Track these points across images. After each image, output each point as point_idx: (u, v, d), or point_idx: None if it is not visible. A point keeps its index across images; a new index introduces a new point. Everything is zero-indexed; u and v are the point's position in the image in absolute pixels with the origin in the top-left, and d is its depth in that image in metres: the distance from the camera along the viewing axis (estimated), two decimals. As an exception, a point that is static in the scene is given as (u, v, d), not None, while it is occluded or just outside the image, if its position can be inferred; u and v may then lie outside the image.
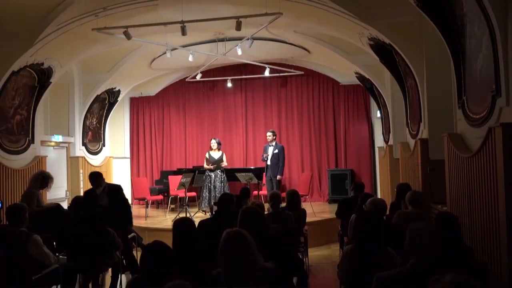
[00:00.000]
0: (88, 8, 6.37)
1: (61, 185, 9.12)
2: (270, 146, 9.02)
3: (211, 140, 8.97)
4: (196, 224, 3.88)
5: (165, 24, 6.86)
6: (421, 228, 2.45)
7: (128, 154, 11.85)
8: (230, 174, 8.90)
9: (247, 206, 4.37)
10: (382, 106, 9.10)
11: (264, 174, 9.12)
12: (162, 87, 11.74)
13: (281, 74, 10.89)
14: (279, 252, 3.14)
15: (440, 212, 4.55)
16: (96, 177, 5.92)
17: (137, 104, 11.93)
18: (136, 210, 10.25)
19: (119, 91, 10.45)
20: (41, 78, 7.48)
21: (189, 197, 9.30)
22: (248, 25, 6.82)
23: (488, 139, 3.62)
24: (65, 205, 8.68)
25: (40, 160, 7.68)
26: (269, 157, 8.89)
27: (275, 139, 9.09)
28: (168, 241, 3.09)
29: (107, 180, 10.34)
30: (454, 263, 2.96)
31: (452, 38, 4.52)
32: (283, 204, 5.97)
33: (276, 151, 8.91)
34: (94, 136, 10.30)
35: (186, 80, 11.20)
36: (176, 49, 8.64)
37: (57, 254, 4.64)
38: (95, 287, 4.76)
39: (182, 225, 3.40)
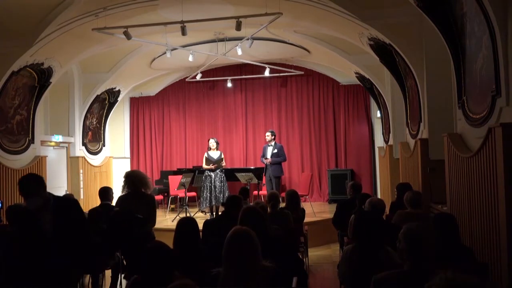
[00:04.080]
0: (88, 8, 6.37)
1: (61, 185, 9.12)
2: (269, 146, 9.01)
3: (209, 140, 8.96)
4: (200, 224, 3.89)
5: (165, 24, 6.87)
6: (415, 229, 2.44)
7: (128, 154, 11.85)
8: (230, 174, 8.90)
9: (248, 205, 4.37)
10: (382, 106, 9.10)
11: (264, 174, 9.12)
12: (162, 87, 11.75)
13: (281, 74, 10.89)
14: (279, 252, 3.14)
15: (438, 213, 4.56)
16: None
17: (137, 104, 11.93)
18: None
19: (119, 91, 10.45)
20: (41, 78, 7.48)
21: (189, 197, 9.30)
22: (248, 25, 6.83)
23: (488, 139, 3.62)
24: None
25: (40, 160, 7.68)
26: (269, 157, 8.87)
27: (274, 139, 9.07)
28: (168, 241, 3.09)
29: (107, 181, 10.43)
30: (453, 263, 2.96)
31: (452, 38, 4.52)
32: (283, 204, 5.97)
33: (276, 150, 8.90)
34: (94, 136, 10.30)
35: (186, 80, 11.22)
36: (176, 49, 8.64)
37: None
38: (95, 287, 4.77)
39: (187, 224, 3.41)
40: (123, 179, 4.84)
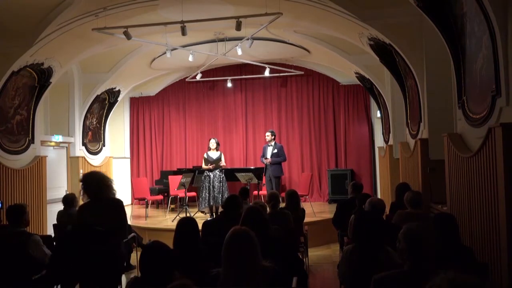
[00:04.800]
0: (88, 8, 6.37)
1: (61, 185, 9.12)
2: (269, 146, 9.01)
3: (210, 140, 8.96)
4: (200, 224, 3.89)
5: (165, 24, 6.87)
6: (415, 229, 2.44)
7: (128, 154, 11.85)
8: (230, 174, 8.90)
9: (252, 205, 4.36)
10: (382, 106, 9.10)
11: (264, 174, 9.11)
12: (162, 87, 11.75)
13: (281, 74, 10.90)
14: (279, 252, 3.14)
15: (438, 213, 4.55)
16: None
17: (137, 104, 11.94)
18: (136, 210, 10.26)
19: (119, 91, 10.45)
20: (41, 78, 7.48)
21: (189, 197, 9.30)
22: (248, 25, 6.83)
23: (488, 139, 3.63)
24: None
25: (40, 160, 7.68)
26: (268, 157, 8.87)
27: (274, 139, 9.07)
28: (168, 241, 3.09)
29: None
30: (453, 263, 2.95)
31: (452, 38, 4.52)
32: (283, 204, 5.97)
33: (275, 150, 8.90)
34: (94, 136, 10.30)
35: (186, 80, 11.22)
36: (176, 49, 8.64)
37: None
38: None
39: (187, 224, 3.41)
40: (81, 184, 3.99)
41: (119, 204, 3.94)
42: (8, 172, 6.89)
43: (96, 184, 3.86)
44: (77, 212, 4.04)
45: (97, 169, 10.11)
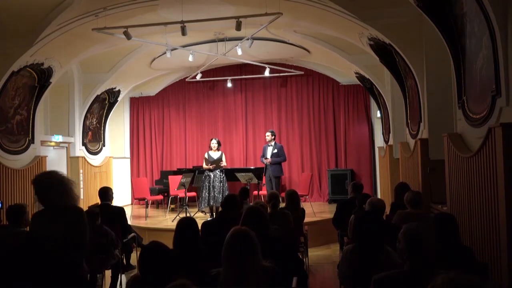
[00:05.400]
0: (88, 8, 6.37)
1: (61, 185, 9.11)
2: (269, 146, 9.01)
3: (211, 140, 8.96)
4: (199, 224, 3.89)
5: (165, 24, 6.87)
6: (415, 229, 2.44)
7: (128, 154, 11.85)
8: (230, 174, 8.89)
9: (253, 205, 4.36)
10: (382, 106, 9.10)
11: (264, 174, 9.11)
12: (162, 87, 11.75)
13: (281, 74, 10.90)
14: (279, 252, 3.14)
15: (438, 213, 4.55)
16: None
17: (137, 104, 11.94)
18: (136, 210, 10.26)
19: (119, 91, 10.46)
20: (41, 78, 7.48)
21: (189, 197, 9.29)
22: (248, 25, 6.83)
23: (488, 139, 3.63)
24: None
25: (40, 160, 7.68)
26: (268, 157, 8.87)
27: (274, 139, 9.07)
28: (168, 241, 3.09)
29: (107, 182, 10.42)
30: (453, 264, 2.95)
31: (452, 38, 4.52)
32: (283, 204, 5.97)
33: (275, 151, 8.90)
34: (94, 136, 10.31)
35: (186, 80, 11.22)
36: (176, 49, 8.64)
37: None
38: (94, 287, 4.76)
39: (187, 224, 3.42)
40: (34, 187, 3.20)
41: (81, 214, 3.14)
42: (8, 172, 6.89)
43: (56, 188, 3.08)
44: (30, 222, 3.35)
45: (97, 169, 10.13)
